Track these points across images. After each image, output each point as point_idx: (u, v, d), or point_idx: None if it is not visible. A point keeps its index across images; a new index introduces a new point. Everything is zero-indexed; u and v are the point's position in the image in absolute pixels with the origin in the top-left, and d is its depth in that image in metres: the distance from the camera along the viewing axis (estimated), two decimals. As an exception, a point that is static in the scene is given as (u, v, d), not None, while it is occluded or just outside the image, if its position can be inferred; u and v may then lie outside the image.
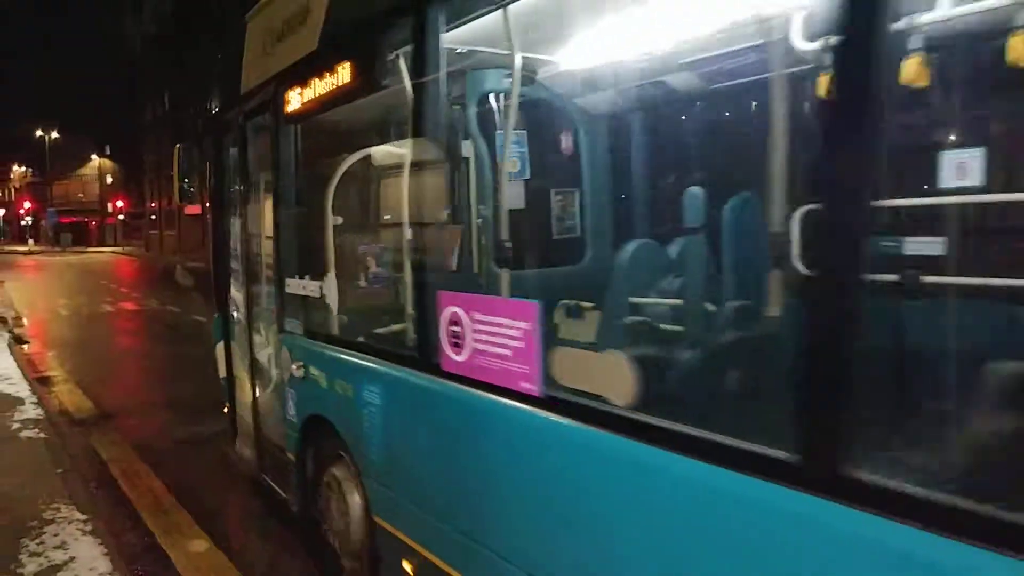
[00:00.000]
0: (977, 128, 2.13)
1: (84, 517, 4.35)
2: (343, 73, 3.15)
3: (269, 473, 4.61)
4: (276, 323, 4.17)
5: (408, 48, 2.79)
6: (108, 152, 60.69)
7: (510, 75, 2.86)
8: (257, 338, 4.67)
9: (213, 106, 5.57)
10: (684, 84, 3.40)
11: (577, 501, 2.12)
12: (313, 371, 3.72)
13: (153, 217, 49.82)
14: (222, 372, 5.38)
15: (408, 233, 3.03)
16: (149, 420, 7.31)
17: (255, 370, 4.69)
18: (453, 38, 2.84)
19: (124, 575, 3.74)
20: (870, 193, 1.48)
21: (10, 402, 7.18)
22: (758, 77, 2.78)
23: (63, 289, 22.36)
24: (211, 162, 5.36)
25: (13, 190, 75.96)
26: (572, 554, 2.15)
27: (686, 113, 3.74)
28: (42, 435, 6.13)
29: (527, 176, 3.97)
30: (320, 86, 3.36)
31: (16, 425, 6.39)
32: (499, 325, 2.35)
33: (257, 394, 4.67)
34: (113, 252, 52.04)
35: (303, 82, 3.53)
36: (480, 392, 2.48)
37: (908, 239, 2.02)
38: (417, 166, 2.90)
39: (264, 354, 4.57)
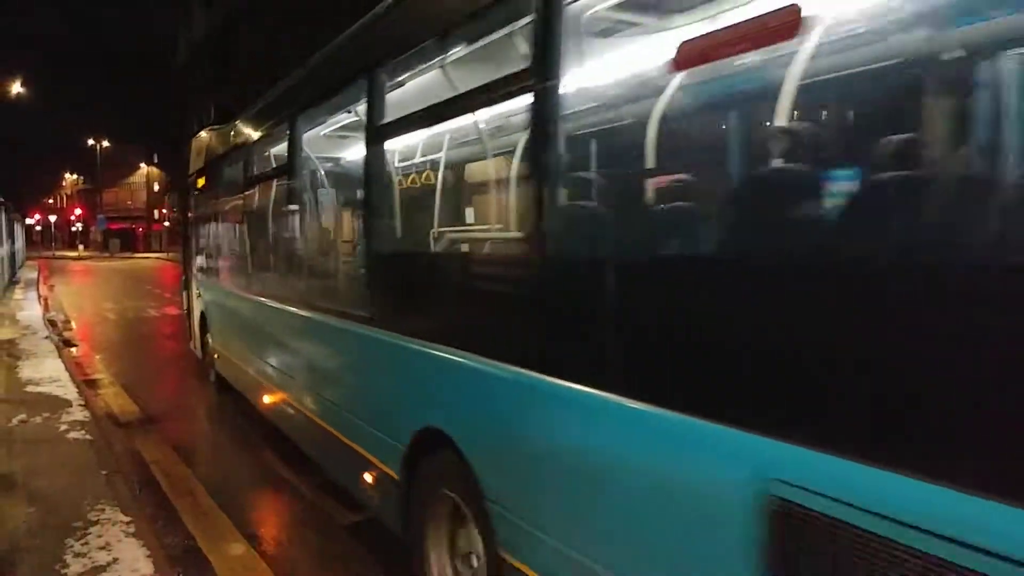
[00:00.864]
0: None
1: (127, 519, 4.43)
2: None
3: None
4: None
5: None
6: (156, 160, 62.30)
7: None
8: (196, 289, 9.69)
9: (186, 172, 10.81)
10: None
11: None
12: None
13: (198, 224, 50.97)
14: (184, 307, 10.71)
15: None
16: (190, 424, 7.46)
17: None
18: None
19: (165, 577, 3.80)
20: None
21: (59, 404, 7.38)
22: None
23: (110, 293, 22.96)
24: (179, 203, 11.53)
25: (65, 197, 78.43)
26: None
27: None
28: (88, 437, 6.27)
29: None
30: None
31: (64, 427, 6.55)
32: None
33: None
34: (158, 258, 53.29)
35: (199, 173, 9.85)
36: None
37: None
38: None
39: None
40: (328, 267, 5.44)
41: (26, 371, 9.05)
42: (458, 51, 3.38)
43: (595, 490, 2.34)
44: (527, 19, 2.61)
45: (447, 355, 3.19)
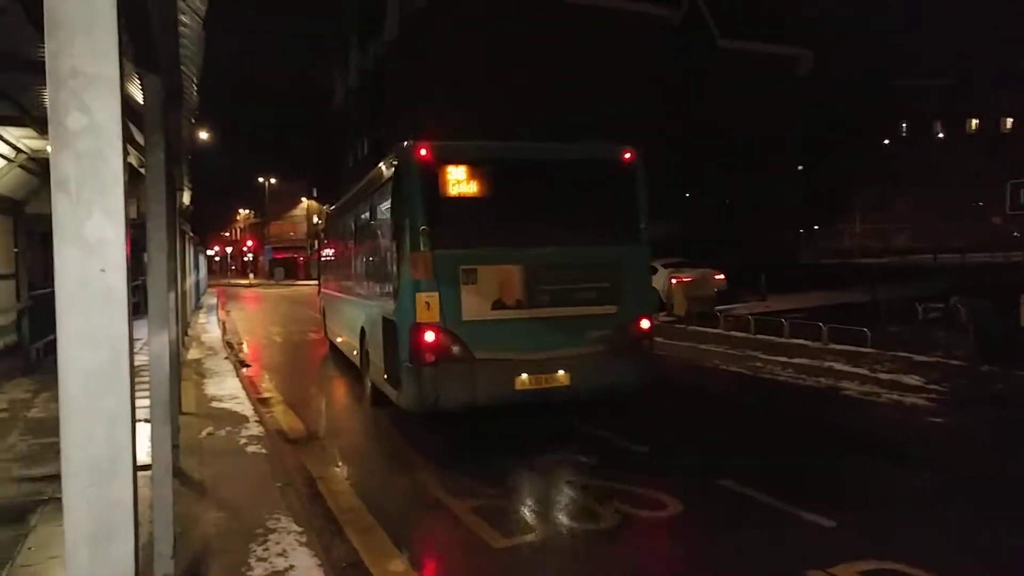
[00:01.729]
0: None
1: (300, 529, 4.79)
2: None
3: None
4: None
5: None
6: (315, 194, 67.10)
7: None
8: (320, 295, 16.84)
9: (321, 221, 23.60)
10: None
11: None
12: None
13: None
14: (319, 307, 16.84)
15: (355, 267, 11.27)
16: (351, 442, 7.91)
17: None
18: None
19: (333, 587, 4.07)
20: None
21: (239, 419, 8.09)
22: None
23: (276, 318, 24.89)
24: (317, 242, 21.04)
25: (239, 230, 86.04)
26: None
27: None
28: (263, 451, 6.83)
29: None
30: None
31: (243, 440, 7.18)
32: None
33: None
34: (316, 285, 57.10)
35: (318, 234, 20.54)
36: None
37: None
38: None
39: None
40: (358, 280, 10.69)
41: (211, 388, 10.00)
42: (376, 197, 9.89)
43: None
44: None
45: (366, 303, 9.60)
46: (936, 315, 14.62)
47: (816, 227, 58.36)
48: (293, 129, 71.79)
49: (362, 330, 9.67)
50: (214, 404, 8.94)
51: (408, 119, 38.09)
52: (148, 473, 4.11)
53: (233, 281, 65.97)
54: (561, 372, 7.35)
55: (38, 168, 10.16)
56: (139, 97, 3.98)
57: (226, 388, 10.02)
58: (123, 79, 1.56)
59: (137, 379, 1.82)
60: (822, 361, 11.15)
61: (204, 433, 7.44)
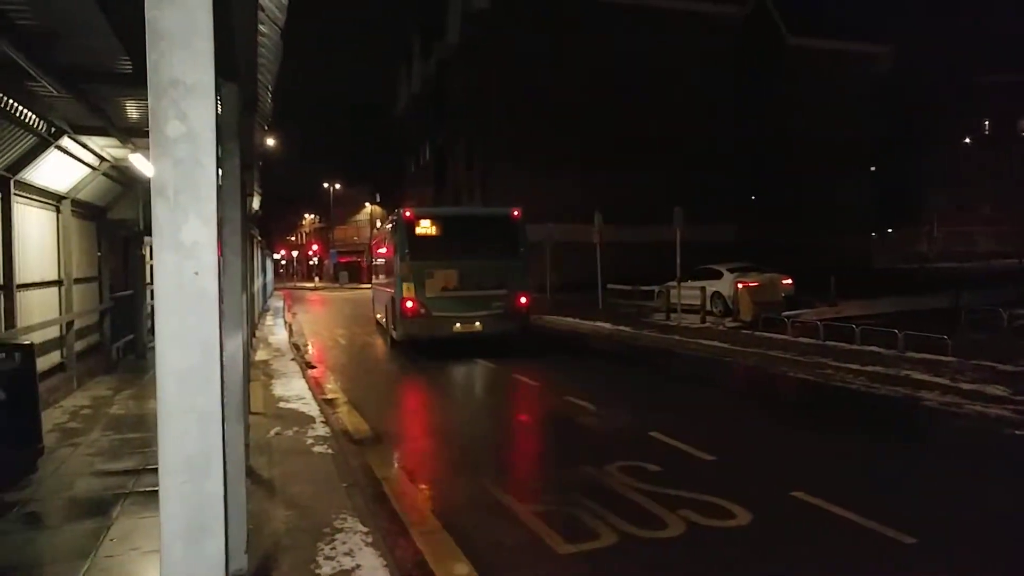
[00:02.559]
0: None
1: (366, 529, 4.85)
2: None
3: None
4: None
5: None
6: (378, 199, 68.35)
7: None
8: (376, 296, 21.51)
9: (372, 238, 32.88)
10: None
11: None
12: None
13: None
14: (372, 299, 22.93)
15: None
16: (414, 445, 8.00)
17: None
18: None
19: (400, 588, 4.11)
20: None
21: (306, 420, 8.28)
22: None
23: (340, 320, 25.42)
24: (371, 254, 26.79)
25: (304, 234, 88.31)
26: None
27: None
28: (329, 451, 6.96)
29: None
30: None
31: (310, 440, 7.33)
32: None
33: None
34: (380, 288, 58.12)
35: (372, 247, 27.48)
36: None
37: None
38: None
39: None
40: (385, 278, 16.85)
41: (278, 389, 10.27)
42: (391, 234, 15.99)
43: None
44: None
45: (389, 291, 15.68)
46: (1023, 323, 13.89)
47: (890, 230, 56.32)
48: (357, 135, 73.31)
49: (385, 306, 16.95)
50: (281, 404, 9.17)
51: (469, 124, 38.42)
52: (223, 470, 4.22)
53: (299, 284, 67.75)
54: (477, 323, 14.28)
55: (120, 176, 10.64)
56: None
57: (293, 389, 10.27)
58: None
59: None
60: (898, 370, 10.72)
61: (272, 433, 7.63)
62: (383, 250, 18.09)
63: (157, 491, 5.01)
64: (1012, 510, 5.59)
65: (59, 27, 4.64)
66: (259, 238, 24.64)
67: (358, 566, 4.27)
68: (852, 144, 40.94)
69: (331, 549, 4.51)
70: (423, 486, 6.26)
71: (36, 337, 8.02)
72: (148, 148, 6.28)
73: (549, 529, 5.11)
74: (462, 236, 14.78)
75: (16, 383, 6.05)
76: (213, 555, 1.65)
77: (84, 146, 8.43)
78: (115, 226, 12.39)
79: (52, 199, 9.44)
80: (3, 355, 6.15)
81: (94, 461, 6.49)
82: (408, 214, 14.59)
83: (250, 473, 5.86)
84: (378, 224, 67.52)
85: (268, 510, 5.25)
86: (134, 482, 5.84)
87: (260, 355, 13.97)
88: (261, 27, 3.48)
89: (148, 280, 13.77)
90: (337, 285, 62.66)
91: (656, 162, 35.18)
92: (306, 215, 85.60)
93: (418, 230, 14.46)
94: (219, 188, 4.34)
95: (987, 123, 66.71)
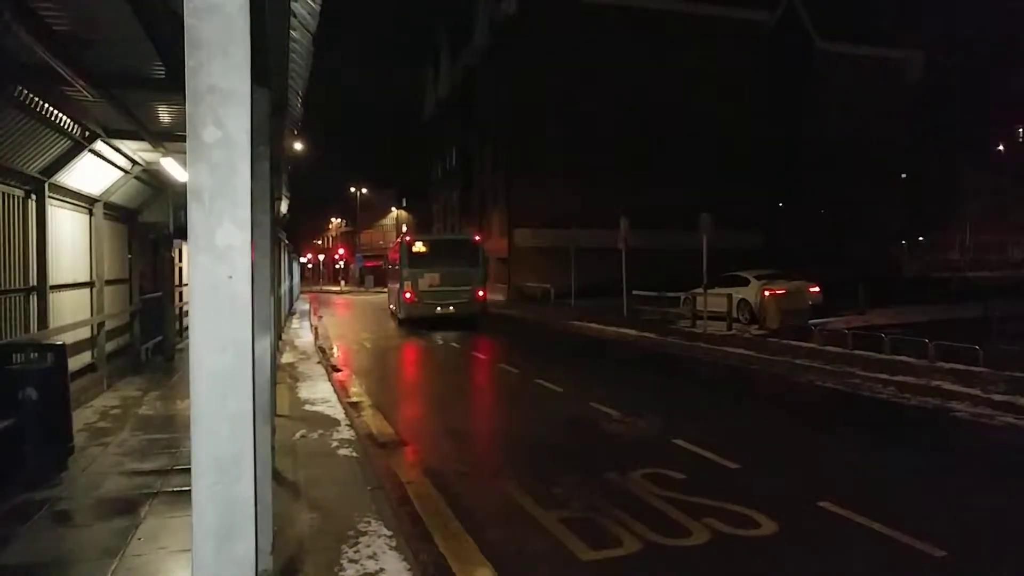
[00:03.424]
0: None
1: (389, 533, 4.86)
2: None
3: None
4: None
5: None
6: (404, 204, 68.75)
7: None
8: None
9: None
10: None
11: None
12: None
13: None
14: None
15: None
16: (438, 449, 8.00)
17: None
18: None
19: (423, 592, 4.11)
20: None
21: (331, 423, 8.33)
22: None
23: (366, 324, 25.59)
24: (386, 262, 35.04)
25: (331, 238, 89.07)
26: None
27: None
28: (354, 454, 7.00)
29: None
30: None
31: (335, 443, 7.38)
32: None
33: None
34: (404, 292, 58.48)
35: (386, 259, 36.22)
36: None
37: None
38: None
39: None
40: (394, 278, 24.82)
41: (303, 392, 10.35)
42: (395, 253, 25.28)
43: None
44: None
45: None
46: (1057, 334, 13.58)
47: (920, 238, 55.39)
48: (384, 140, 73.85)
49: (394, 297, 24.35)
50: (307, 407, 9.24)
51: (496, 128, 38.52)
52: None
53: (325, 288, 68.30)
54: (451, 307, 21.60)
55: (151, 179, 10.81)
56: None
57: (318, 392, 10.34)
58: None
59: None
60: (928, 380, 10.52)
61: (298, 435, 7.69)
62: (394, 261, 25.49)
63: (185, 491, 5.06)
64: (1048, 525, 5.46)
65: (95, 33, 4.74)
66: (286, 241, 24.92)
67: (381, 569, 4.28)
68: (882, 150, 40.41)
69: (355, 552, 4.52)
70: (447, 490, 6.26)
71: (68, 338, 8.17)
72: (179, 152, 6.41)
73: (572, 535, 5.09)
74: (442, 253, 22.93)
75: (48, 383, 6.16)
76: (243, 556, 1.66)
77: (117, 150, 8.59)
78: (145, 229, 12.60)
79: (85, 202, 9.62)
80: (36, 355, 6.27)
81: (123, 461, 6.58)
82: (408, 239, 24.04)
83: (276, 475, 5.90)
84: (403, 228, 68.11)
85: (293, 512, 5.28)
86: (162, 482, 5.92)
87: (286, 358, 14.09)
88: (293, 33, 3.52)
89: (177, 282, 13.96)
90: (363, 289, 63.07)
91: (683, 168, 35.03)
92: (333, 219, 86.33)
93: (414, 249, 22.76)
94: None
95: (1021, 130, 65.33)
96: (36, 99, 6.21)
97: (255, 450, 1.71)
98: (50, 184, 7.97)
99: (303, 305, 35.03)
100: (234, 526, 1.65)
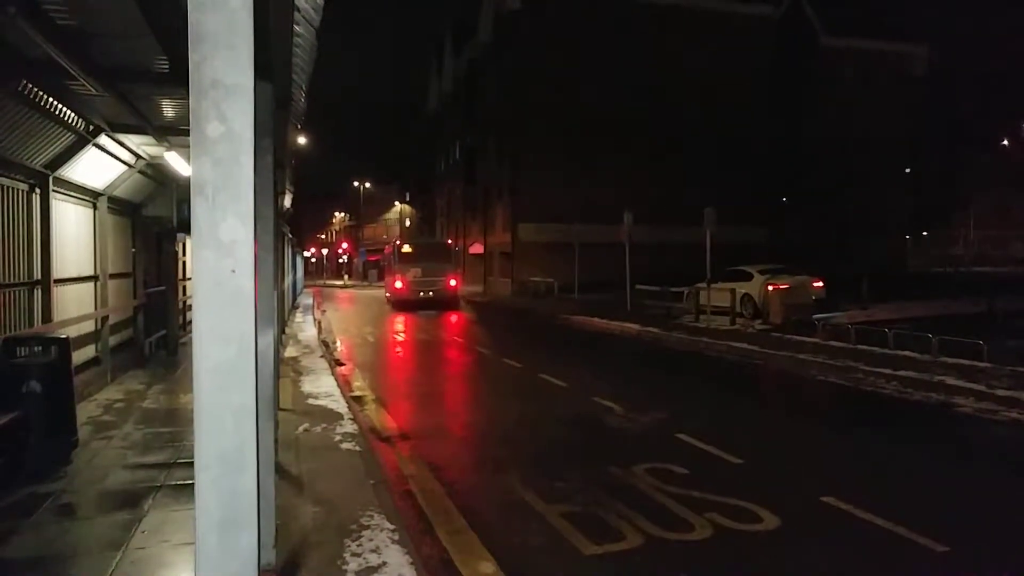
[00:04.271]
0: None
1: (392, 527, 4.88)
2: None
3: None
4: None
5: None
6: (408, 198, 68.76)
7: None
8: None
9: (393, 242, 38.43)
10: None
11: None
12: None
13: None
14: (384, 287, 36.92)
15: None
16: (441, 443, 8.01)
17: None
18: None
19: (425, 585, 4.12)
20: None
21: (334, 417, 8.35)
22: None
23: (369, 318, 25.61)
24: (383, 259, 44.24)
25: (334, 232, 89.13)
26: None
27: None
28: (357, 448, 7.01)
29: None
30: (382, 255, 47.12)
31: (338, 437, 7.39)
32: None
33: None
34: (407, 287, 58.52)
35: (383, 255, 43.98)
36: None
37: None
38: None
39: None
40: (390, 272, 32.02)
41: (307, 386, 10.37)
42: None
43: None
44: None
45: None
46: (1061, 329, 13.54)
47: (925, 233, 55.23)
48: (388, 134, 73.76)
49: (388, 286, 31.66)
50: (310, 401, 9.26)
51: (500, 123, 38.45)
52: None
53: (328, 282, 68.37)
54: (431, 293, 28.37)
55: (155, 173, 10.82)
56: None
57: (321, 386, 10.36)
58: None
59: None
60: (932, 375, 10.51)
61: (301, 429, 7.71)
62: (389, 257, 32.54)
63: (188, 484, 5.08)
64: (1051, 521, 5.45)
65: (99, 28, 4.74)
66: (290, 235, 24.93)
67: (384, 563, 4.29)
68: (887, 145, 40.27)
69: (358, 546, 4.54)
70: (449, 484, 6.27)
71: (72, 331, 8.19)
72: (183, 146, 6.41)
73: (575, 529, 5.10)
74: (424, 253, 30.22)
75: (52, 376, 6.19)
76: (246, 548, 1.67)
77: (121, 144, 8.59)
78: (149, 223, 12.62)
79: (89, 196, 9.63)
80: (40, 348, 6.29)
81: (127, 454, 6.61)
82: (399, 242, 32.36)
83: (278, 469, 5.92)
84: (407, 222, 68.16)
85: (296, 506, 5.30)
86: (165, 475, 5.94)
87: (289, 352, 14.12)
88: (296, 27, 3.52)
89: (180, 276, 13.98)
90: (366, 283, 63.16)
91: (687, 163, 34.96)
92: (336, 213, 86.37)
93: (403, 250, 30.51)
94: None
95: (1026, 124, 64.94)
96: (41, 93, 6.22)
97: (258, 443, 1.72)
98: (54, 178, 7.98)
99: (307, 299, 35.08)
100: (237, 518, 1.66)
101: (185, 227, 12.44)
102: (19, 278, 7.41)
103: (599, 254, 28.50)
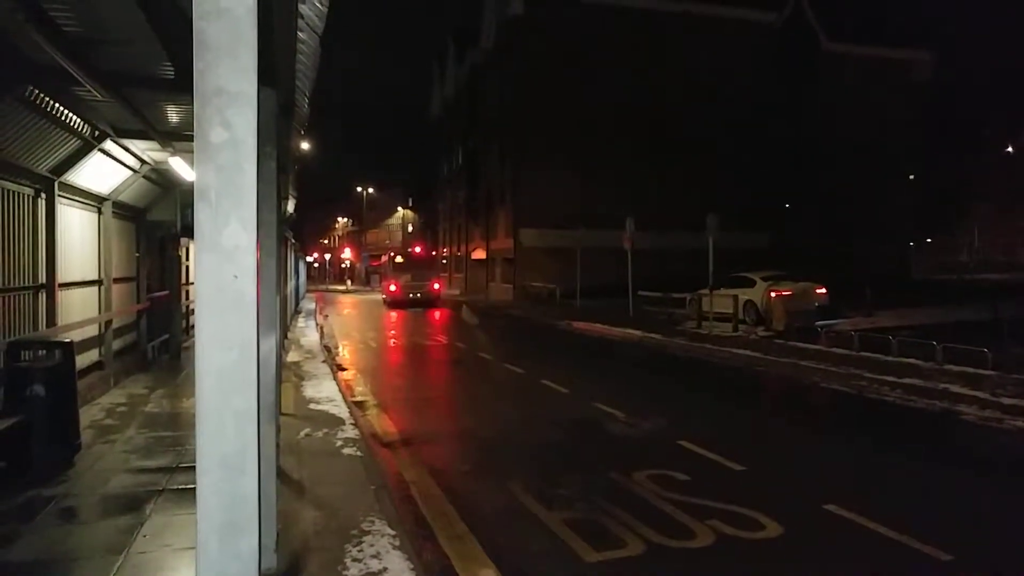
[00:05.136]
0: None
1: (393, 532, 4.88)
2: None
3: None
4: None
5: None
6: (410, 204, 68.86)
7: None
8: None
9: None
10: None
11: None
12: None
13: (444, 261, 55.37)
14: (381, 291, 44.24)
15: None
16: (442, 448, 8.01)
17: None
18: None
19: (426, 591, 4.12)
20: None
21: (336, 422, 8.35)
22: None
23: (371, 323, 25.63)
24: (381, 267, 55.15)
25: (337, 238, 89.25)
26: None
27: None
28: (358, 453, 7.02)
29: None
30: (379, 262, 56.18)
31: (340, 442, 7.40)
32: None
33: None
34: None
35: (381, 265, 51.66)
36: None
37: None
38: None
39: None
40: (385, 279, 40.56)
41: (309, 391, 10.38)
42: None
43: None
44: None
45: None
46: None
47: (928, 240, 55.12)
48: (391, 139, 73.86)
49: (384, 289, 39.23)
50: (312, 406, 9.27)
51: (502, 128, 38.52)
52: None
53: (331, 287, 68.44)
54: (419, 295, 34.01)
55: (159, 178, 10.86)
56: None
57: (323, 391, 10.37)
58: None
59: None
60: (936, 383, 10.48)
61: (302, 434, 7.71)
62: (385, 266, 39.15)
63: (190, 489, 5.08)
64: (1054, 530, 5.43)
65: (105, 34, 4.77)
66: (292, 240, 24.97)
67: (385, 569, 4.29)
68: (890, 151, 40.25)
69: (358, 551, 4.54)
70: (450, 490, 6.27)
71: (76, 335, 8.22)
72: (187, 152, 6.44)
73: (576, 536, 5.10)
74: (413, 263, 36.83)
75: (56, 380, 6.20)
76: (247, 553, 1.68)
77: (126, 149, 8.63)
78: (153, 227, 12.66)
79: (94, 200, 9.67)
80: (44, 352, 6.32)
81: (129, 458, 6.62)
82: (393, 254, 39.68)
83: (280, 473, 5.93)
84: (409, 227, 68.22)
85: (297, 510, 5.30)
86: (167, 480, 5.95)
87: (291, 356, 14.13)
88: (300, 34, 3.54)
89: (184, 281, 14.02)
90: (369, 288, 63.19)
91: (690, 168, 34.98)
92: (339, 218, 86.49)
93: (396, 260, 37.42)
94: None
95: (1031, 131, 64.77)
96: (47, 99, 6.26)
97: (260, 448, 1.72)
98: (60, 183, 8.02)
99: (309, 304, 35.11)
100: (238, 522, 1.67)
101: (189, 232, 12.47)
102: (24, 282, 7.44)
103: (601, 260, 28.52)
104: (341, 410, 9.05)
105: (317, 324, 22.97)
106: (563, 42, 34.47)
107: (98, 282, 9.84)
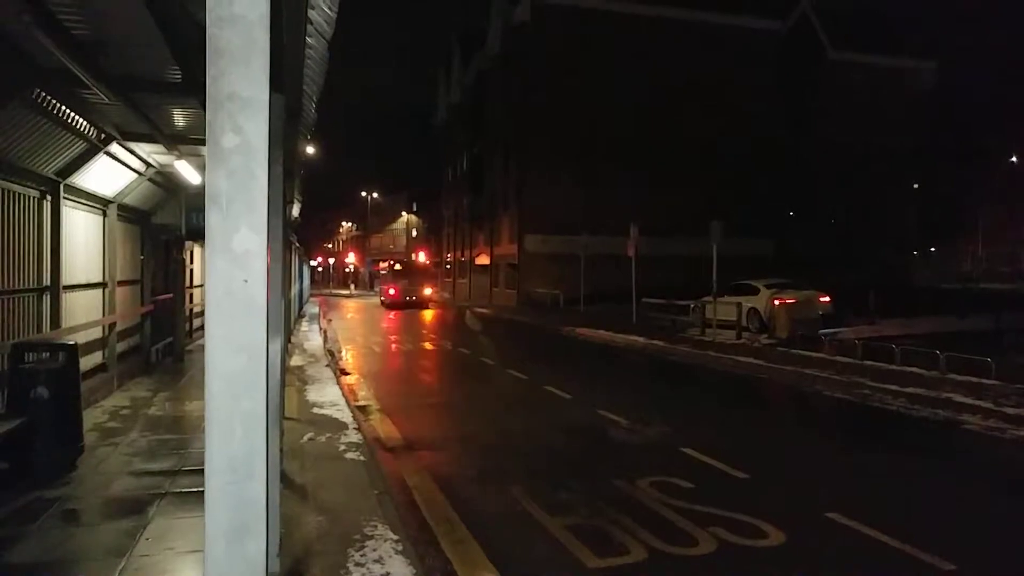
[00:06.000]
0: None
1: (396, 537, 4.87)
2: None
3: None
4: None
5: None
6: (415, 209, 68.88)
7: None
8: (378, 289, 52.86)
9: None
10: None
11: None
12: None
13: (448, 266, 55.38)
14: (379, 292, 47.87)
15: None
16: (444, 454, 8.00)
17: None
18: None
19: (429, 596, 4.11)
20: None
21: (339, 426, 8.35)
22: None
23: (375, 327, 25.64)
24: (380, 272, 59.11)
25: (341, 242, 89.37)
26: None
27: None
28: (361, 458, 7.01)
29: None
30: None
31: (343, 447, 7.39)
32: None
33: None
34: (413, 297, 58.63)
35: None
36: None
37: None
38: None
39: None
40: (384, 281, 45.39)
41: (312, 395, 10.38)
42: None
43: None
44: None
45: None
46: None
47: (932, 248, 55.00)
48: (396, 144, 73.99)
49: (383, 292, 41.68)
50: (315, 410, 9.27)
51: (507, 134, 38.57)
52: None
53: (335, 291, 68.48)
54: (413, 297, 37.95)
55: (164, 181, 10.90)
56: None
57: (327, 395, 10.37)
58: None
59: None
60: (939, 392, 10.46)
61: (305, 438, 7.71)
62: (384, 272, 45.20)
63: (193, 492, 5.08)
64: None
65: (113, 37, 4.80)
66: (297, 244, 25.01)
67: (387, 573, 4.29)
68: (894, 160, 40.21)
69: (361, 556, 4.53)
70: (453, 495, 6.26)
71: (79, 337, 8.24)
72: (193, 155, 6.46)
73: (579, 542, 5.09)
74: (408, 269, 43.31)
75: (59, 382, 6.21)
76: (254, 555, 1.68)
77: (132, 152, 8.66)
78: (158, 230, 12.69)
79: (99, 203, 9.70)
80: (48, 354, 6.33)
81: (132, 461, 6.62)
82: (392, 262, 50.99)
83: (283, 478, 5.93)
84: (413, 232, 68.31)
85: (300, 515, 5.30)
86: (171, 483, 5.95)
87: (295, 361, 14.14)
88: (309, 40, 3.56)
89: (188, 284, 14.04)
90: (372, 292, 63.22)
91: (694, 175, 34.99)
92: (343, 223, 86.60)
93: (394, 267, 45.76)
94: (261, 196, 4.45)
95: (1035, 140, 64.71)
96: (53, 102, 6.28)
97: (267, 452, 1.73)
98: (65, 185, 8.05)
99: (313, 308, 35.12)
100: (245, 525, 1.67)
101: (193, 235, 12.50)
102: (29, 284, 7.46)
103: (605, 266, 28.50)
104: (344, 414, 9.05)
105: (320, 328, 22.98)
106: (569, 49, 34.54)
107: (102, 285, 9.87)
